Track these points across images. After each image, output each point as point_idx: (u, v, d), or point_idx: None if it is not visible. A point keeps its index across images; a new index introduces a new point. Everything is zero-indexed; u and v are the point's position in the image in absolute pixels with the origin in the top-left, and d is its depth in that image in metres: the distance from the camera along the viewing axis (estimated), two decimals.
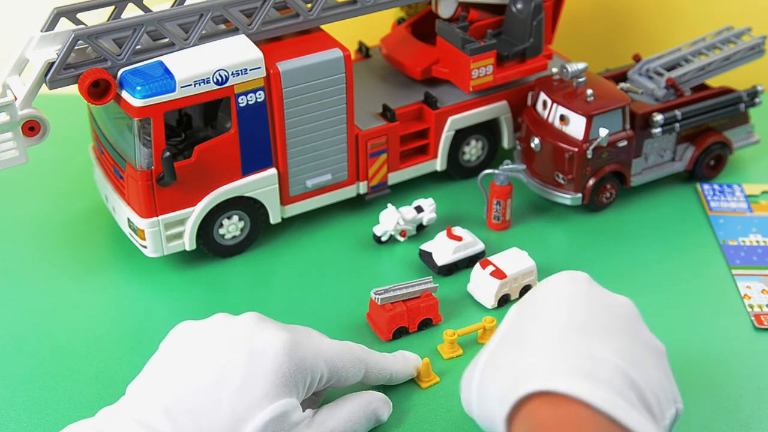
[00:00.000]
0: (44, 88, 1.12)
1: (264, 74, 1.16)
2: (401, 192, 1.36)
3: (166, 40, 1.16)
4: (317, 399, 1.00)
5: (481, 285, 1.17)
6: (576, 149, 1.27)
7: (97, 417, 0.88)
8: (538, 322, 0.87)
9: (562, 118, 1.28)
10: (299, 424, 0.90)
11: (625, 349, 0.84)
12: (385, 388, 1.04)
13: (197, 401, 0.86)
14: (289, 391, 0.89)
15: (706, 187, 1.37)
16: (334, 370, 0.95)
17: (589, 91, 1.27)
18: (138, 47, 1.14)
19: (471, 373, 0.89)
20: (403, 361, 1.05)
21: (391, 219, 1.25)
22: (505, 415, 0.80)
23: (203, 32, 1.16)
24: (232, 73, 1.14)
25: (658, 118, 1.30)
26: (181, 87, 1.11)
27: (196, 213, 1.19)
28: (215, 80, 1.13)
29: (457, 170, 1.39)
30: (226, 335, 0.91)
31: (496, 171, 1.27)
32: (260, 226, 1.26)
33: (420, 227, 1.29)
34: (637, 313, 0.91)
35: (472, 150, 1.38)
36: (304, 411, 0.92)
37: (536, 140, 1.30)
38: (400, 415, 1.03)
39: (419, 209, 1.28)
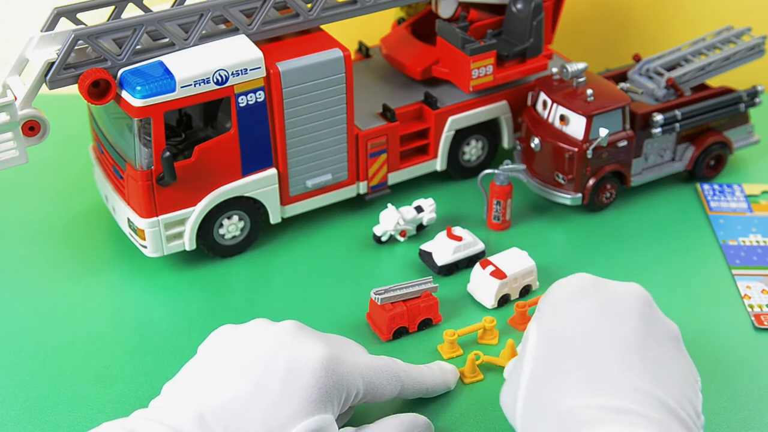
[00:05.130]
0: (44, 88, 1.12)
1: (264, 74, 1.16)
2: (401, 192, 1.36)
3: (166, 40, 1.16)
4: (350, 412, 0.98)
5: (481, 285, 1.17)
6: (576, 149, 1.27)
7: (131, 417, 0.87)
8: (565, 353, 0.89)
9: (562, 118, 1.28)
10: None
11: (649, 371, 0.86)
12: None
13: (231, 412, 0.86)
14: (325, 407, 0.88)
15: (706, 187, 1.37)
16: (370, 386, 0.94)
17: (589, 91, 1.27)
18: (138, 47, 1.14)
19: (513, 400, 0.91)
20: (440, 374, 1.04)
21: (391, 219, 1.25)
22: None
23: (203, 32, 1.16)
24: (232, 73, 1.14)
25: (658, 118, 1.30)
26: (181, 87, 1.11)
27: (196, 213, 1.19)
28: (215, 80, 1.13)
29: (457, 170, 1.38)
30: (264, 345, 0.90)
31: (496, 171, 1.27)
32: (260, 226, 1.26)
33: (420, 227, 1.29)
34: (649, 301, 0.92)
35: (472, 150, 1.38)
36: (339, 426, 0.91)
37: (536, 140, 1.30)
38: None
39: (419, 209, 1.28)
